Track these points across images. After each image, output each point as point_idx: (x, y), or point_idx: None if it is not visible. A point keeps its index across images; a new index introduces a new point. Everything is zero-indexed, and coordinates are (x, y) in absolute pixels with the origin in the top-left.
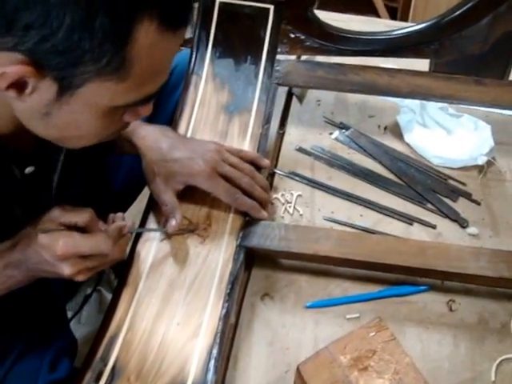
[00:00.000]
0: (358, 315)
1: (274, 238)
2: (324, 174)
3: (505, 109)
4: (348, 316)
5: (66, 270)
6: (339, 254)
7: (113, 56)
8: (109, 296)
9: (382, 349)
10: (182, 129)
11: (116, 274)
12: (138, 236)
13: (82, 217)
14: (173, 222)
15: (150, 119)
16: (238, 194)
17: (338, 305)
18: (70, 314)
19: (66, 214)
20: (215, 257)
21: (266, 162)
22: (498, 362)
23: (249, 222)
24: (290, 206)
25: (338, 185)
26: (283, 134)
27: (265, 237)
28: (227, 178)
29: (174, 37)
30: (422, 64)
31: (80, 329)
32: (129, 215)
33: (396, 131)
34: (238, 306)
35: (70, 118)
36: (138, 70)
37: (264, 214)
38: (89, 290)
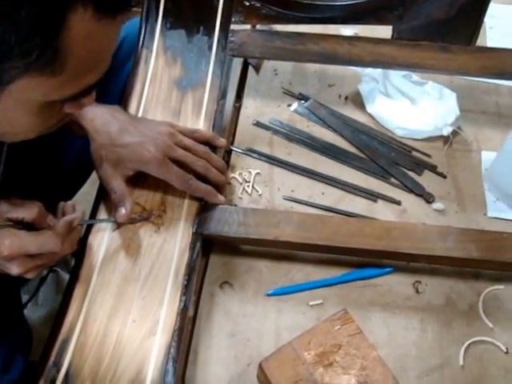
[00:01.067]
0: (321, 301)
1: (232, 223)
2: (283, 149)
3: (473, 76)
4: (311, 303)
5: (14, 269)
6: (300, 238)
7: (43, 49)
8: (66, 276)
9: (348, 343)
10: (132, 108)
11: (73, 253)
12: (90, 226)
13: (29, 212)
14: (122, 211)
15: (100, 96)
16: (192, 179)
17: (301, 291)
18: (25, 298)
19: (12, 208)
20: (171, 246)
21: (221, 141)
22: (466, 345)
23: (205, 206)
24: (248, 186)
25: (298, 161)
26: (240, 108)
27: (222, 222)
28: (181, 163)
29: (113, 24)
30: (385, 31)
31: (37, 311)
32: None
33: (357, 101)
34: (197, 296)
35: (2, 115)
36: (74, 62)
37: (220, 198)
38: (45, 272)
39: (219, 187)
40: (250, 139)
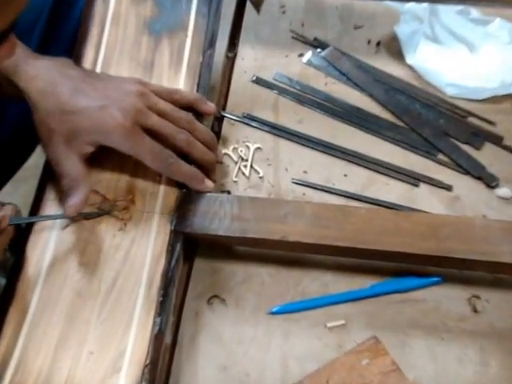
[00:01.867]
0: (343, 322)
1: (223, 217)
2: (292, 115)
3: None
4: (330, 324)
5: None
6: (315, 237)
7: None
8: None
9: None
10: (87, 60)
11: (12, 251)
12: (31, 224)
13: None
14: (74, 201)
15: (43, 46)
16: (172, 157)
17: (316, 308)
18: None
19: None
20: (141, 250)
21: (210, 106)
22: None
23: (188, 195)
24: (245, 166)
25: (313, 131)
26: (234, 60)
27: (211, 216)
28: (156, 134)
29: None
30: None
31: None
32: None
33: (394, 48)
34: (177, 316)
35: None
36: None
37: (209, 184)
38: None
39: (207, 168)
40: (248, 103)
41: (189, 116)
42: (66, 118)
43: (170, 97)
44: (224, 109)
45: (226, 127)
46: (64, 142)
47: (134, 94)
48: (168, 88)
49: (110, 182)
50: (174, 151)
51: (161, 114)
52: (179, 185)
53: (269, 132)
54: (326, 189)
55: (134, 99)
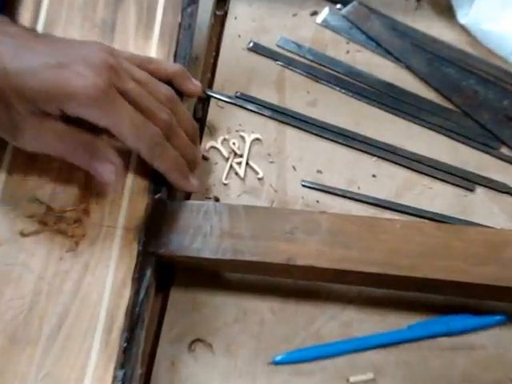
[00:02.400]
0: (371, 376)
1: (209, 233)
2: (302, 95)
3: None
4: (353, 378)
5: None
6: (333, 261)
7: None
8: None
9: None
10: (24, 20)
11: None
12: None
13: None
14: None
15: None
16: (158, 135)
17: (335, 356)
18: None
19: None
20: (98, 278)
21: (194, 83)
22: None
23: (162, 202)
24: (239, 163)
25: (330, 116)
26: (224, 20)
27: (193, 232)
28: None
29: None
30: None
31: None
32: None
33: (441, 4)
34: (146, 368)
35: None
36: None
37: (195, 183)
38: None
39: (188, 165)
40: (244, 78)
41: (171, 92)
42: (10, 80)
43: (145, 66)
44: (211, 87)
45: (213, 111)
46: (4, 110)
47: (101, 50)
48: (140, 56)
49: (56, 185)
50: None
51: (136, 81)
52: (152, 189)
53: (271, 118)
54: (347, 194)
55: (104, 55)
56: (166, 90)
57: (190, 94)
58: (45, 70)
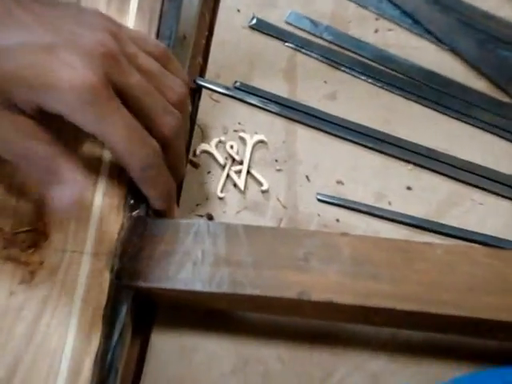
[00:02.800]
0: None
1: (200, 259)
2: (319, 86)
3: None
4: None
5: None
6: (357, 295)
7: None
8: None
9: None
10: None
11: None
12: None
13: None
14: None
15: None
16: (156, 152)
17: None
18: None
19: None
20: (59, 318)
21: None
22: None
23: (141, 221)
24: (238, 172)
25: (353, 113)
26: None
27: (180, 258)
28: (129, 106)
29: None
30: None
31: None
32: None
33: None
34: None
35: None
36: None
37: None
38: None
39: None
40: (244, 63)
41: (185, 91)
42: None
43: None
44: (202, 75)
45: (205, 106)
46: None
47: (103, 30)
48: (140, 32)
49: (7, 199)
50: None
51: (142, 72)
52: (128, 204)
53: (279, 114)
54: (375, 211)
55: (104, 37)
56: (179, 87)
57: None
58: (24, 53)
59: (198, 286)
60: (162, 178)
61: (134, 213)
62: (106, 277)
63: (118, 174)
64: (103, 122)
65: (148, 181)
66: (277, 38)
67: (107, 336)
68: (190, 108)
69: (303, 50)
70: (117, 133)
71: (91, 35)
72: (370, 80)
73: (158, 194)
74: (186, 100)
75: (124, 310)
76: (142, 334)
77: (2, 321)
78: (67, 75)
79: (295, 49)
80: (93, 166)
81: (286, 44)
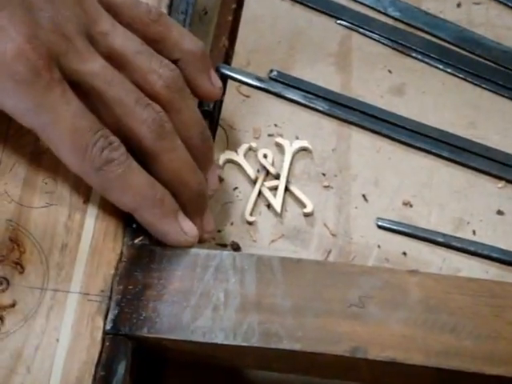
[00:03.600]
0: None
1: (222, 303)
2: (380, 76)
3: None
4: None
5: None
6: (431, 354)
7: None
8: None
9: None
10: None
11: None
12: None
13: None
14: None
15: None
16: (116, 148)
17: None
18: None
19: None
20: (35, 378)
21: (211, 80)
22: None
23: (143, 251)
24: (274, 189)
25: (425, 112)
26: None
27: (195, 302)
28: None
29: None
30: None
31: None
32: None
33: None
34: None
35: None
36: None
37: (188, 229)
38: None
39: (185, 198)
40: (283, 47)
41: (177, 76)
42: None
43: (139, 26)
44: (228, 62)
45: (231, 102)
46: None
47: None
48: (143, 3)
49: None
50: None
51: (113, 55)
52: (128, 229)
53: (328, 114)
54: (454, 243)
55: (63, 8)
56: (169, 70)
57: (201, 95)
58: None
59: (220, 338)
60: (133, 182)
61: (136, 240)
62: (99, 324)
63: None
64: (41, 113)
65: (108, 186)
66: (326, 13)
67: None
68: (194, 100)
69: (361, 30)
70: (59, 128)
71: (48, 5)
72: (448, 69)
73: (129, 207)
74: (176, 85)
75: (122, 369)
76: None
77: None
78: (0, 44)
79: (350, 28)
80: (81, 179)
81: (339, 22)
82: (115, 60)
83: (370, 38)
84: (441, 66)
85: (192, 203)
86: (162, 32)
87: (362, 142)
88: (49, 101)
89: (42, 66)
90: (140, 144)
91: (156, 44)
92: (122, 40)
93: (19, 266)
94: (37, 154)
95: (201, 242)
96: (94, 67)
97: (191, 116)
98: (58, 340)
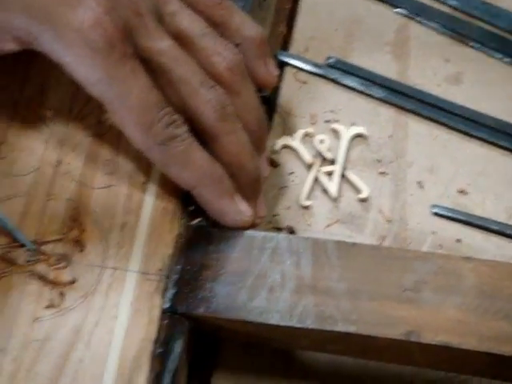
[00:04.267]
0: None
1: (278, 285)
2: (438, 65)
3: None
4: None
5: None
6: (485, 339)
7: None
8: None
9: None
10: None
11: None
12: None
13: None
14: None
15: None
16: (179, 125)
17: None
18: None
19: None
20: (95, 353)
21: (268, 67)
22: None
23: (200, 232)
24: (329, 174)
25: (483, 102)
26: None
27: (251, 283)
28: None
29: None
30: None
31: None
32: None
33: None
34: None
35: None
36: None
37: (244, 209)
38: None
39: (241, 182)
40: (341, 34)
41: (239, 59)
42: None
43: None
44: (286, 48)
45: (288, 88)
46: None
47: None
48: None
49: (31, 197)
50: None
51: (180, 36)
52: (186, 210)
53: (385, 101)
54: (510, 231)
55: None
56: (233, 54)
57: (257, 82)
58: None
59: (275, 319)
60: (194, 159)
61: (194, 221)
62: (157, 302)
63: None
64: (112, 84)
65: (171, 161)
66: (384, 1)
67: (156, 379)
68: (253, 85)
69: (418, 18)
70: (127, 102)
71: None
72: (506, 59)
73: (188, 182)
74: (238, 68)
75: (179, 347)
76: (200, 379)
77: (21, 355)
78: (80, 12)
79: (408, 16)
80: (142, 158)
81: (396, 10)
82: (181, 40)
83: (428, 26)
84: (498, 56)
85: (247, 187)
86: (224, 16)
87: (418, 129)
88: (120, 73)
89: (118, 38)
90: (202, 124)
91: (217, 27)
92: (189, 22)
93: (79, 245)
94: (99, 136)
95: (252, 226)
96: (162, 46)
97: (250, 101)
98: (116, 317)
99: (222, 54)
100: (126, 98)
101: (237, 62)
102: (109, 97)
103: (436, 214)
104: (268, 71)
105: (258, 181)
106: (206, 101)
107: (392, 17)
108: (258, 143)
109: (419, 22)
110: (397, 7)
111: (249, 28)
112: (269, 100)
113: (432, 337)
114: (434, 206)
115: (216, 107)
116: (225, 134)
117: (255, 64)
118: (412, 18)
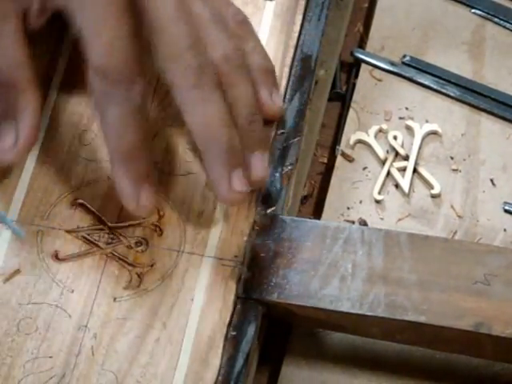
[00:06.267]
0: None
1: (349, 274)
2: None
3: None
4: None
5: None
6: None
7: None
8: None
9: None
10: None
11: None
12: None
13: None
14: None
15: None
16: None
17: None
18: None
19: None
20: (171, 334)
21: (272, 96)
22: None
23: (275, 221)
24: (402, 169)
25: None
26: None
27: (324, 271)
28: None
29: None
30: None
31: None
32: None
33: None
34: None
35: None
36: None
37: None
38: None
39: None
40: (417, 33)
41: (239, 52)
42: None
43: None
44: (362, 46)
45: (364, 85)
46: None
47: None
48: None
49: (112, 182)
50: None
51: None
52: (261, 198)
53: (459, 100)
54: None
55: None
56: (233, 47)
57: (259, 108)
58: None
59: (346, 306)
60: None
61: (269, 210)
62: (232, 288)
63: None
64: (91, 15)
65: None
66: (461, 2)
67: (229, 361)
68: (250, 84)
69: (495, 20)
70: (97, 28)
71: None
72: None
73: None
74: (236, 60)
75: (252, 330)
76: (271, 363)
77: (101, 333)
78: None
79: (484, 17)
80: None
81: (473, 10)
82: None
83: (504, 27)
84: None
85: (220, 159)
86: (241, 38)
87: (491, 128)
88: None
89: None
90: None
91: None
92: (204, 6)
93: (158, 229)
94: (179, 126)
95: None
96: (158, 4)
97: (243, 95)
98: (192, 300)
99: (223, 42)
100: (96, 27)
101: (235, 54)
102: (83, 24)
103: (508, 212)
104: (272, 101)
105: (231, 152)
106: (185, 66)
107: (469, 17)
108: (248, 140)
109: (496, 23)
110: (474, 8)
111: (259, 55)
112: (344, 96)
113: (502, 329)
114: (506, 203)
115: (225, 57)
116: (197, 102)
117: (259, 90)
118: (489, 19)
